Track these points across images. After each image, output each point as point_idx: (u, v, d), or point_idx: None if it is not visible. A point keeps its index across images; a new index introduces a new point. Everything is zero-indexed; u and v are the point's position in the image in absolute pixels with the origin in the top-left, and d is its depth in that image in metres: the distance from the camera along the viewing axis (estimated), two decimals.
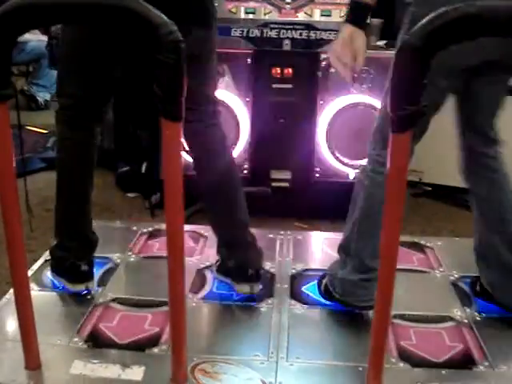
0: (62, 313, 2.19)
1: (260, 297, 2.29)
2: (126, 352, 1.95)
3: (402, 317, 2.16)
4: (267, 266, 2.51)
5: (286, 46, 3.03)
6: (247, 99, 3.13)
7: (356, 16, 1.94)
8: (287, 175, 3.21)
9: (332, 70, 3.02)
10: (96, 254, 2.45)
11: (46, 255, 2.54)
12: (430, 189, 3.67)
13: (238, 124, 3.11)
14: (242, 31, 3.00)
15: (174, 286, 1.70)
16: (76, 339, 2.00)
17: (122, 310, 2.19)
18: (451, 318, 2.17)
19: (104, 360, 1.90)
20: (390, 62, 1.45)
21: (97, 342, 2.00)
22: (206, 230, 2.82)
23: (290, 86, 3.10)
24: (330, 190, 3.19)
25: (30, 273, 2.36)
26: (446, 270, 2.52)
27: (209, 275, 2.44)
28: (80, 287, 2.25)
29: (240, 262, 2.26)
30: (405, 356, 1.97)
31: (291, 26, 3.00)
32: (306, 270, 2.53)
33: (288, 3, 3.04)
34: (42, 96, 5.44)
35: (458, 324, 2.15)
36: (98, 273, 2.42)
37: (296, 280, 2.44)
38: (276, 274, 2.47)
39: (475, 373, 1.90)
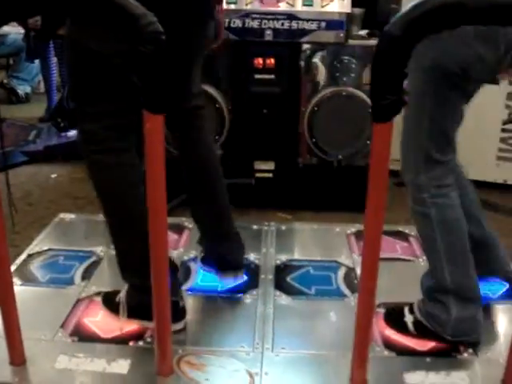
0: (45, 307, 2.18)
1: (245, 288, 2.30)
2: (110, 346, 1.95)
3: (387, 306, 2.16)
4: (251, 257, 2.52)
5: (268, 36, 3.01)
6: (229, 90, 3.13)
7: None
8: (271, 166, 3.21)
9: (314, 59, 3.02)
10: (79, 248, 2.45)
11: (30, 249, 2.53)
12: None
13: (220, 115, 3.09)
14: (224, 21, 2.98)
15: (158, 279, 1.69)
16: (60, 334, 2.00)
17: None
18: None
19: (89, 354, 1.89)
20: (373, 51, 1.45)
21: (81, 337, 1.99)
22: (189, 222, 2.82)
23: (272, 76, 3.09)
24: (313, 180, 3.19)
25: (13, 267, 2.35)
26: None
27: (193, 267, 2.44)
28: (179, 326, 2.01)
29: (224, 252, 2.26)
30: (389, 344, 1.98)
31: (273, 16, 2.98)
32: (291, 260, 2.53)
33: None
34: (23, 89, 5.39)
35: None
36: (81, 266, 2.41)
37: (281, 271, 2.44)
38: (260, 265, 2.47)
39: (459, 360, 1.91)
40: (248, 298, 2.24)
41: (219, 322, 2.11)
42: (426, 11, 1.33)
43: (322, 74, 3.04)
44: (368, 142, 2.94)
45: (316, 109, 3.05)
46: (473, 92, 1.88)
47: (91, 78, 1.82)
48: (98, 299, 2.18)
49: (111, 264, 2.48)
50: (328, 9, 2.96)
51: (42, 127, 4.47)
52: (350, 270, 2.45)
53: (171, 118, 1.66)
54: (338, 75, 3.03)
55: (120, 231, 1.96)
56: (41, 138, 4.31)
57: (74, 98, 1.94)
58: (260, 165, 3.21)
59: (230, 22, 2.98)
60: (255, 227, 2.82)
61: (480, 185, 3.56)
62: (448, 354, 1.93)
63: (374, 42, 2.86)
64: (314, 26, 2.96)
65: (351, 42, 3.02)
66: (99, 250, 2.56)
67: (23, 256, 2.49)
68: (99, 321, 2.07)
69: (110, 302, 2.08)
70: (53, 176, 3.68)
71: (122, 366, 1.84)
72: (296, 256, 2.59)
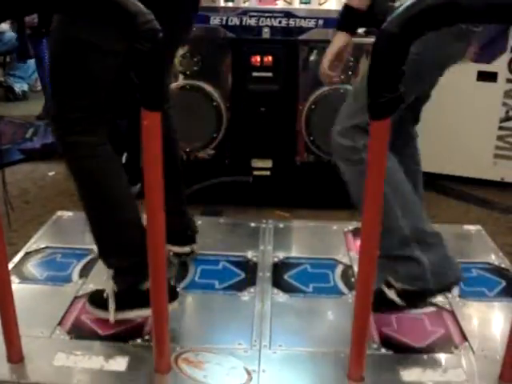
0: (43, 305, 2.17)
1: (242, 286, 2.30)
2: (108, 343, 1.95)
3: None
4: (249, 254, 2.52)
5: (266, 33, 3.01)
6: (227, 88, 3.13)
7: (349, 23, 1.98)
8: (268, 164, 3.21)
9: (311, 57, 3.02)
10: (76, 246, 2.45)
11: (27, 247, 2.53)
12: None
13: (218, 113, 3.09)
14: (221, 19, 2.98)
15: (156, 275, 1.70)
16: (58, 331, 2.00)
17: None
18: (432, 304, 2.19)
19: (87, 351, 1.89)
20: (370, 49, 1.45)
21: (79, 334, 2.00)
22: None
23: (269, 74, 3.09)
24: (311, 178, 3.19)
25: (10, 266, 2.35)
26: None
27: (191, 265, 2.44)
28: (173, 306, 1.96)
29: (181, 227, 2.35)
30: (386, 342, 1.98)
31: (270, 14, 2.98)
32: (288, 258, 2.53)
33: None
34: (20, 87, 5.39)
35: (438, 309, 2.17)
36: (79, 264, 2.41)
37: (278, 268, 2.45)
38: (258, 263, 2.47)
39: (456, 357, 1.92)
40: (246, 296, 2.25)
41: (217, 319, 2.11)
42: (423, 9, 1.34)
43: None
44: None
45: (313, 107, 3.06)
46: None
47: (76, 70, 1.85)
48: None
49: None
50: (325, 6, 2.96)
51: (40, 125, 4.47)
52: (348, 268, 2.46)
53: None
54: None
55: (100, 219, 1.98)
56: (38, 135, 4.31)
57: (55, 88, 1.94)
58: (257, 163, 3.21)
59: (227, 20, 2.98)
60: (253, 225, 2.83)
61: (477, 182, 3.58)
62: (445, 351, 1.94)
63: (371, 39, 2.86)
64: (311, 23, 2.96)
65: None
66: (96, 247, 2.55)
67: (21, 254, 2.49)
68: (97, 318, 2.07)
69: (96, 300, 2.05)
70: (50, 174, 3.68)
71: (120, 364, 1.85)
72: (294, 253, 2.59)
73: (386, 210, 1.78)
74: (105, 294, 2.00)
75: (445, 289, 1.97)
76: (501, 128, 3.52)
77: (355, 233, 2.71)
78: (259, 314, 2.13)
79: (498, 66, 3.42)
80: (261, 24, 3.00)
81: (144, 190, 1.61)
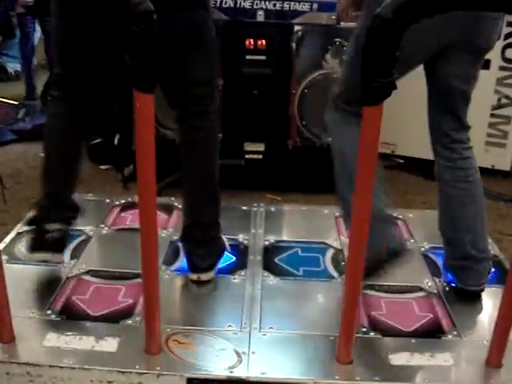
0: (34, 285, 2.18)
1: (233, 268, 2.31)
2: (99, 324, 1.96)
3: (373, 287, 2.19)
4: (240, 237, 2.53)
5: (260, 16, 3.01)
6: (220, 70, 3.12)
7: None
8: (260, 147, 3.21)
9: (305, 41, 3.02)
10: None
11: (18, 228, 2.53)
12: (403, 161, 3.70)
13: None
14: (215, 1, 2.97)
15: (147, 258, 1.70)
16: (49, 312, 2.00)
17: (95, 282, 2.19)
18: (421, 289, 2.21)
19: (78, 332, 1.90)
20: None
21: (70, 315, 2.00)
22: (179, 203, 2.82)
23: (263, 57, 3.09)
24: (303, 162, 3.20)
25: (2, 245, 2.35)
26: (417, 242, 2.56)
27: (182, 247, 2.45)
28: (39, 257, 2.22)
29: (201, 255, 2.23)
30: (375, 326, 2.00)
31: None
32: (279, 241, 2.54)
33: None
34: (12, 67, 5.36)
35: (427, 294, 2.19)
36: (70, 245, 2.41)
37: (269, 252, 2.46)
38: (249, 246, 2.48)
39: (444, 341, 1.94)
40: (236, 279, 2.26)
41: (207, 301, 2.13)
42: None
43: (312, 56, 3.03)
44: None
45: (306, 91, 3.06)
46: None
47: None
48: (88, 278, 2.20)
49: (101, 243, 2.50)
50: None
51: (32, 105, 4.45)
52: (338, 252, 2.47)
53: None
54: (329, 57, 3.03)
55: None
56: (30, 116, 4.29)
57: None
58: (250, 146, 3.22)
59: (221, 2, 2.97)
60: (244, 208, 2.83)
61: None
62: (433, 336, 1.96)
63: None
64: (305, 7, 2.96)
65: (343, 24, 3.02)
66: (88, 228, 2.56)
67: (12, 234, 2.49)
68: (88, 299, 2.08)
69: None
70: (42, 155, 3.66)
71: (111, 344, 1.85)
72: (284, 237, 2.60)
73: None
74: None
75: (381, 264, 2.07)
76: (492, 115, 3.53)
77: None
78: (250, 296, 2.14)
79: (491, 53, 3.41)
80: (255, 7, 2.99)
81: (136, 173, 1.61)
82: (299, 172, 3.20)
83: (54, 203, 2.20)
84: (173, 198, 2.86)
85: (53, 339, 1.86)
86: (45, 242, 2.17)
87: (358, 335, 1.84)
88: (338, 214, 2.78)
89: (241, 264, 2.35)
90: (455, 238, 2.14)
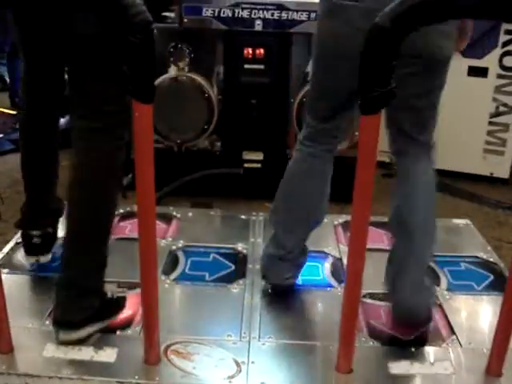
0: (33, 296, 2.18)
1: (232, 278, 2.31)
2: (98, 334, 1.95)
3: (372, 296, 2.18)
4: (239, 247, 2.53)
5: (258, 26, 3.01)
6: (219, 80, 3.13)
7: None
8: (259, 156, 3.22)
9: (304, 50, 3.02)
10: None
11: (17, 238, 2.52)
12: None
13: (209, 105, 3.09)
14: (214, 11, 2.98)
15: (146, 267, 1.70)
16: (48, 322, 1.99)
17: None
18: None
19: (77, 342, 1.89)
20: None
21: None
22: (177, 212, 2.82)
23: (261, 66, 3.09)
24: None
25: (0, 256, 2.35)
26: None
27: (181, 256, 2.45)
28: (30, 259, 2.30)
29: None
30: (375, 334, 2.00)
31: (263, 6, 2.98)
32: None
33: None
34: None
35: None
36: None
37: None
38: (248, 255, 2.48)
39: (443, 350, 1.93)
40: (235, 288, 2.25)
41: (206, 311, 2.12)
42: (415, 4, 1.34)
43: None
44: (356, 133, 2.95)
45: (305, 100, 3.06)
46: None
47: None
48: None
49: None
50: None
51: None
52: (337, 261, 2.47)
53: None
54: None
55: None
56: None
57: None
58: (248, 155, 3.22)
59: (219, 12, 2.98)
60: (243, 217, 2.83)
61: (466, 177, 3.61)
62: (432, 344, 1.96)
63: None
64: (303, 16, 2.96)
65: None
66: None
67: (11, 244, 2.48)
68: None
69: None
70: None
71: (110, 355, 1.85)
72: None
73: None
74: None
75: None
76: (491, 123, 3.54)
77: (345, 226, 2.71)
78: (249, 305, 2.14)
79: (489, 61, 3.44)
80: (253, 16, 2.99)
81: (135, 182, 1.61)
82: None
83: (33, 211, 2.27)
84: (172, 208, 2.86)
85: (52, 350, 1.86)
86: (32, 247, 2.28)
87: (357, 344, 1.83)
88: (336, 222, 2.79)
89: (240, 273, 2.35)
90: None
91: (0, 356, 1.81)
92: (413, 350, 1.92)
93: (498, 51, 3.40)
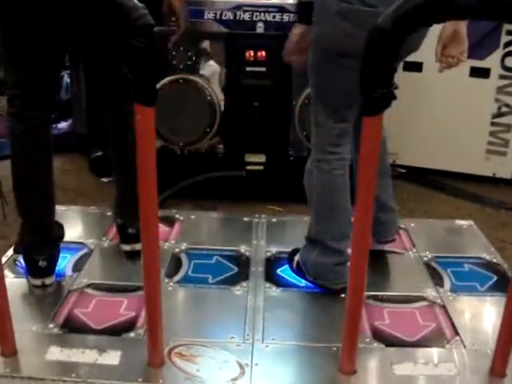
0: (36, 299, 2.18)
1: (236, 280, 2.31)
2: (102, 337, 1.95)
3: (376, 297, 2.18)
4: (242, 249, 2.53)
5: (260, 28, 3.01)
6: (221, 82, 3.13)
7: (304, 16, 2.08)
8: (262, 159, 3.22)
9: None
10: (70, 240, 2.45)
11: None
12: (405, 171, 3.70)
13: (212, 107, 3.10)
14: (215, 14, 2.98)
15: (149, 270, 1.70)
16: (51, 325, 2.00)
17: (97, 295, 2.19)
18: (424, 298, 2.20)
19: (80, 345, 1.90)
20: None
21: (72, 328, 2.00)
22: (180, 215, 2.82)
23: (263, 69, 3.09)
24: (304, 173, 3.20)
25: (3, 259, 2.35)
26: (419, 251, 2.56)
27: (184, 259, 2.45)
28: (36, 282, 2.22)
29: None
30: (378, 336, 2.00)
31: (264, 9, 2.98)
32: (281, 252, 2.54)
33: None
34: None
35: (430, 303, 2.18)
36: (72, 258, 2.42)
37: (271, 263, 2.45)
38: (251, 257, 2.48)
39: (447, 351, 1.93)
40: (239, 290, 2.25)
41: (210, 313, 2.12)
42: (416, 5, 1.34)
43: None
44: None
45: (307, 101, 3.06)
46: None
47: None
48: (89, 291, 2.20)
49: (102, 256, 2.50)
50: None
51: None
52: None
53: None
54: None
55: (17, 186, 2.22)
56: None
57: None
58: (251, 157, 3.22)
59: (221, 14, 2.98)
60: (246, 219, 2.83)
61: (469, 178, 3.60)
62: (436, 345, 1.95)
63: None
64: None
65: None
66: (90, 242, 2.56)
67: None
68: (90, 312, 2.08)
69: None
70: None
71: (114, 357, 1.85)
72: (286, 248, 2.59)
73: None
74: None
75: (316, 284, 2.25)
76: (493, 124, 3.54)
77: None
78: (252, 308, 2.14)
79: (491, 62, 3.43)
80: (255, 19, 3.00)
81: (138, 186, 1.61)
82: (301, 183, 3.19)
83: (35, 239, 2.22)
84: (174, 210, 2.86)
85: (55, 353, 1.86)
86: (37, 270, 2.20)
87: (361, 346, 1.83)
88: None
89: (243, 275, 2.35)
90: None
91: (4, 359, 1.82)
92: (417, 351, 1.92)
93: (499, 52, 3.40)
